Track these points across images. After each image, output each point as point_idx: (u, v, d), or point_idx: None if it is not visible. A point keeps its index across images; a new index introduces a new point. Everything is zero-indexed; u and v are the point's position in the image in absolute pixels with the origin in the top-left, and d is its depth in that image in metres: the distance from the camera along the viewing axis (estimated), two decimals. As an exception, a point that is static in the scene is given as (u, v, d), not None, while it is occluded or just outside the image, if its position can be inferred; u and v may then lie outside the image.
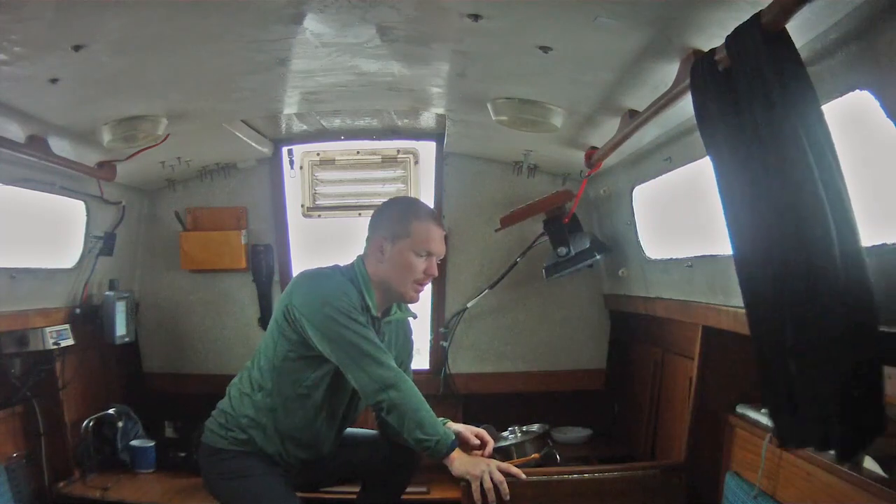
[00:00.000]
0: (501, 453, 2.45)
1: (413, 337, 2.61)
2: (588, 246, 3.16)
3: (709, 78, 1.51)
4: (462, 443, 2.29)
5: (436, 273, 2.33)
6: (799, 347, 1.36)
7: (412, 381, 2.26)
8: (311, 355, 2.25)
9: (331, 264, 2.37)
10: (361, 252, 2.38)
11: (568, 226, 3.18)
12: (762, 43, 1.30)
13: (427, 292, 3.52)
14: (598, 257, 3.17)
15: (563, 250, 3.16)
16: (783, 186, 1.32)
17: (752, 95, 1.35)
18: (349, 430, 2.51)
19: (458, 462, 2.16)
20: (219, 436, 2.34)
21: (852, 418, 1.29)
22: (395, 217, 2.34)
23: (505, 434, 2.69)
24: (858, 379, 1.28)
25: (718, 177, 1.53)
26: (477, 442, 2.31)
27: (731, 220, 1.51)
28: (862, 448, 1.36)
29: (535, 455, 2.51)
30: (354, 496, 2.62)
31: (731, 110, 1.44)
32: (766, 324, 1.46)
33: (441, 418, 2.36)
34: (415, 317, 2.56)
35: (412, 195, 3.55)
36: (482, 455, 2.28)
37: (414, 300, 2.36)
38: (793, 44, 1.30)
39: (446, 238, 3.46)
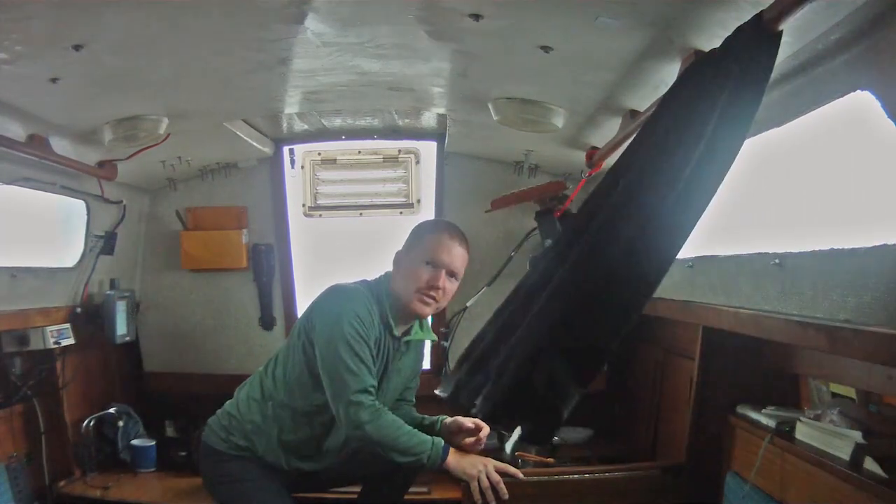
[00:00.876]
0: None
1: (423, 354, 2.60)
2: (576, 242, 3.16)
3: (688, 79, 1.52)
4: (457, 430, 2.28)
5: (439, 285, 2.24)
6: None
7: (388, 411, 2.21)
8: None
9: (358, 280, 2.35)
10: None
11: (560, 220, 3.17)
12: (751, 45, 1.30)
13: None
14: None
15: (549, 242, 3.15)
16: (650, 188, 1.39)
17: (717, 96, 1.37)
18: None
19: (456, 464, 2.16)
20: (220, 438, 2.34)
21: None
22: (416, 232, 2.36)
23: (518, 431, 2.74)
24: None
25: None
26: (471, 426, 2.29)
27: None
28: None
29: (550, 459, 2.59)
30: (355, 496, 2.61)
31: (683, 112, 1.46)
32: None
33: (439, 416, 2.37)
34: (435, 339, 2.56)
35: (413, 195, 3.55)
36: (476, 441, 2.27)
37: (422, 313, 2.29)
38: (776, 50, 1.30)
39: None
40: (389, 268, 2.36)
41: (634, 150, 1.51)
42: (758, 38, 1.30)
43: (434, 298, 2.26)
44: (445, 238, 2.28)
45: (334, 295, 2.28)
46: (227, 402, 2.42)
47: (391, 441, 2.15)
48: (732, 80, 1.32)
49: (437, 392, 1.97)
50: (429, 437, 2.19)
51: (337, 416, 2.19)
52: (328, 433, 2.33)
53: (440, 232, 2.32)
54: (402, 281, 2.28)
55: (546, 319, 1.52)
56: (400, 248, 2.36)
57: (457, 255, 2.29)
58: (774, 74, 1.36)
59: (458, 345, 3.52)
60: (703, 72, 1.46)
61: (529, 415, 1.57)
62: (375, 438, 2.15)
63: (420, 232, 2.35)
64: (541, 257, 1.66)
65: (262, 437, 2.30)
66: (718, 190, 1.37)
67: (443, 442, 2.19)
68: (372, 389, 2.19)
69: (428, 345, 2.60)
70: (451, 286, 2.30)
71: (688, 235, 1.40)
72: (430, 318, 2.49)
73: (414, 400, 2.54)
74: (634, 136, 1.55)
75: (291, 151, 3.54)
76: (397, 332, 2.30)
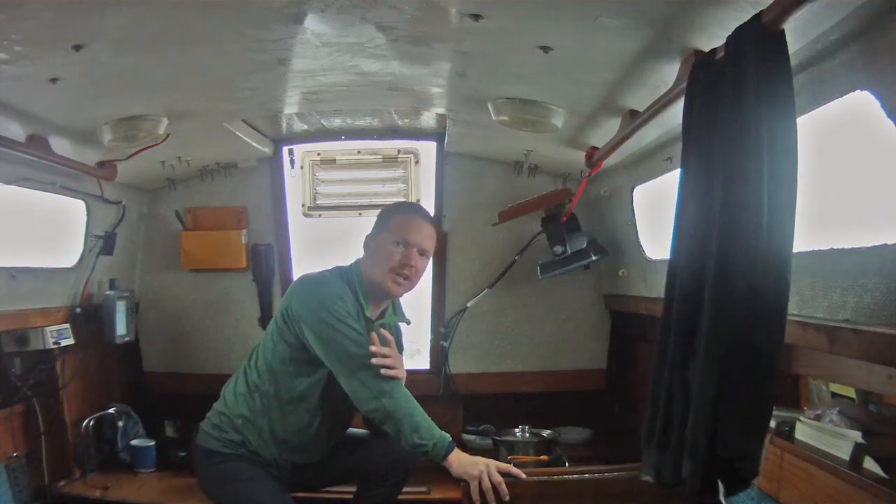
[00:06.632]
0: (508, 446, 2.52)
1: (403, 340, 2.62)
2: (585, 247, 3.17)
3: (702, 80, 1.51)
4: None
5: (413, 263, 2.30)
6: (697, 361, 1.42)
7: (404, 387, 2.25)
8: (308, 358, 2.27)
9: (332, 266, 2.40)
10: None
11: (566, 225, 3.18)
12: (758, 44, 1.30)
13: (427, 291, 3.53)
14: (594, 258, 3.18)
15: (559, 249, 3.17)
16: (730, 194, 1.36)
17: (735, 97, 1.35)
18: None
19: (457, 463, 2.16)
20: (213, 437, 2.34)
21: (717, 463, 1.36)
22: (383, 215, 2.42)
23: (515, 431, 2.80)
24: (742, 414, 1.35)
25: (682, 177, 1.56)
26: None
27: (676, 223, 1.55)
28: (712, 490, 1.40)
29: (545, 457, 2.59)
30: (351, 496, 2.61)
31: (715, 113, 1.45)
32: (677, 328, 1.51)
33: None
34: (408, 322, 2.57)
35: (412, 195, 3.55)
36: None
37: (395, 292, 2.34)
38: (786, 48, 1.30)
39: (446, 237, 3.50)
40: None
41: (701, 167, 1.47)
42: (761, 39, 1.30)
43: (407, 277, 2.31)
44: (415, 218, 2.36)
45: (311, 282, 2.33)
46: (216, 402, 2.44)
47: (407, 416, 2.16)
48: (755, 80, 1.31)
49: (642, 477, 1.76)
50: (437, 427, 2.20)
51: (353, 393, 2.20)
52: (315, 420, 2.34)
53: (409, 213, 2.40)
54: (375, 262, 2.33)
55: (710, 388, 1.41)
56: (369, 232, 2.41)
57: (426, 234, 2.36)
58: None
59: (458, 345, 3.53)
60: (714, 77, 1.46)
61: (727, 472, 1.45)
62: (393, 411, 2.16)
63: (388, 214, 2.41)
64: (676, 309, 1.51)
65: (252, 430, 2.32)
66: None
67: (450, 437, 2.20)
68: None
69: (404, 328, 2.61)
70: (422, 264, 2.36)
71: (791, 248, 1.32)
72: (401, 302, 2.51)
73: None
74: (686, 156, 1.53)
75: (291, 151, 3.54)
76: (370, 313, 2.34)
